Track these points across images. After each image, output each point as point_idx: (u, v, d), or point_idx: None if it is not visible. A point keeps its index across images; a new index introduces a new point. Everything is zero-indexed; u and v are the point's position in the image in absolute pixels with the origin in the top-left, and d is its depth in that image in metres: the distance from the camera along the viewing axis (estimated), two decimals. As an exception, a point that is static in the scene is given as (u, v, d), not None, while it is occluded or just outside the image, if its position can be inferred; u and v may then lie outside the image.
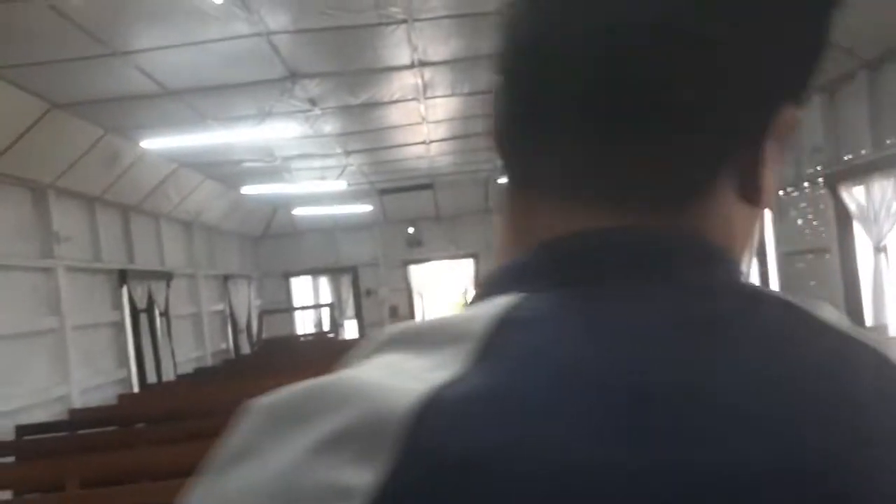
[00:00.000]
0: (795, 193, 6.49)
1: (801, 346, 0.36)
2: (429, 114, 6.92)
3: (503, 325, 0.35)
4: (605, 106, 0.39)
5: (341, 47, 4.98)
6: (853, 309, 5.67)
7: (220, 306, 10.53)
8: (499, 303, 0.37)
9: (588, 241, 0.40)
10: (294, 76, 5.33)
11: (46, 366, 5.69)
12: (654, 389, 0.32)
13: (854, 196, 5.66)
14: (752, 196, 0.42)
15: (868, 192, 5.47)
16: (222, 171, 8.35)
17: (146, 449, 4.23)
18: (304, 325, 12.93)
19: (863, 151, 5.54)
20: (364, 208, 11.08)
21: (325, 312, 12.65)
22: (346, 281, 12.69)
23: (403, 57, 5.30)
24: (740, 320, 0.37)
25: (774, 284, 6.90)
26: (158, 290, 8.03)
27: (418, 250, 12.54)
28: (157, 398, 6.53)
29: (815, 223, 6.32)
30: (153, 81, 5.05)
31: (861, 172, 5.53)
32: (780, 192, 6.14)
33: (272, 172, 8.46)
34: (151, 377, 7.52)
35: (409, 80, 5.84)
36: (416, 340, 0.36)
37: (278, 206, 11.24)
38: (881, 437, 0.33)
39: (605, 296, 0.37)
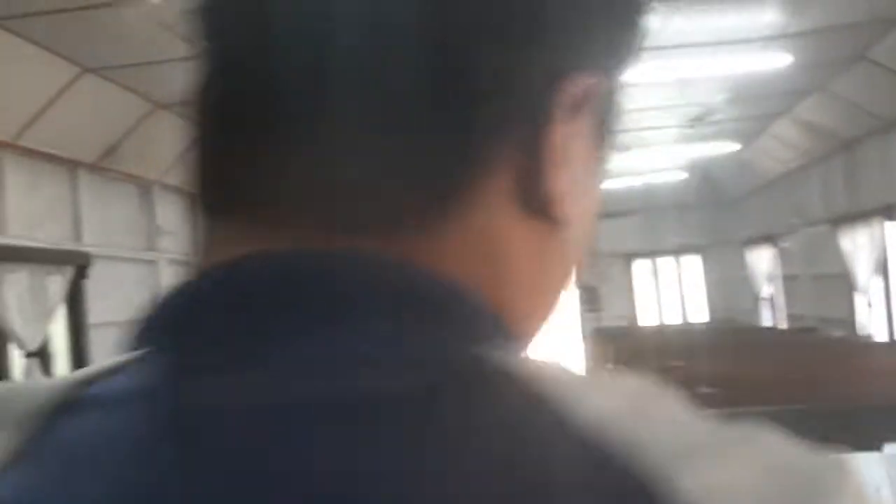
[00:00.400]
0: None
1: (478, 456, 0.24)
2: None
3: (63, 408, 0.27)
4: (288, 93, 0.29)
5: None
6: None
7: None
8: (86, 370, 0.29)
9: (230, 275, 0.28)
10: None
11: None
12: None
13: None
14: (539, 206, 0.31)
15: None
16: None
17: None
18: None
19: None
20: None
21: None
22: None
23: None
24: (407, 409, 0.24)
25: None
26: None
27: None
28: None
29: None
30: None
31: None
32: None
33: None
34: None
35: None
36: None
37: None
38: None
39: (210, 366, 0.26)
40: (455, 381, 0.26)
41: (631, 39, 0.35)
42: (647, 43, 0.36)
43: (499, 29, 0.30)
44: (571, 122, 0.31)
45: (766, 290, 10.45)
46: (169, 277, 6.38)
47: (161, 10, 3.89)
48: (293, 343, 0.26)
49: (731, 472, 0.24)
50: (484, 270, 0.30)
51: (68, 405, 0.27)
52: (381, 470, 0.23)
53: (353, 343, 0.26)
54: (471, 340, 0.27)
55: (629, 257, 11.90)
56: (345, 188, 0.28)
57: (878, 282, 6.94)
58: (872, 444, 3.00)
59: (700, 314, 12.21)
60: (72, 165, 5.32)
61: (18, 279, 4.56)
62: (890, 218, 6.61)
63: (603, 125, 0.35)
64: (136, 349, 0.28)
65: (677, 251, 12.06)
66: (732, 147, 9.01)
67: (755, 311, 10.82)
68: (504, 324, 0.30)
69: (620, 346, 7.81)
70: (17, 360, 4.57)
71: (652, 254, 11.98)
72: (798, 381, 4.70)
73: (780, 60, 5.53)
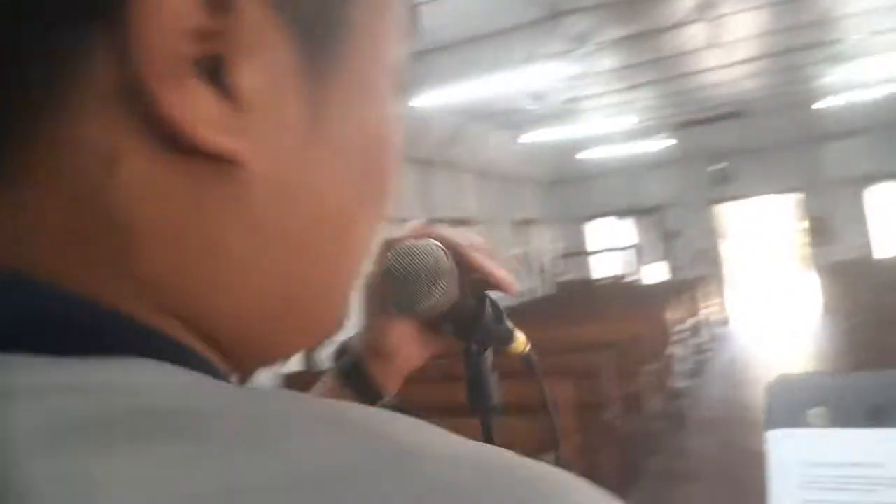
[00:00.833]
0: None
1: None
2: (721, 34, 6.24)
3: None
4: None
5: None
6: None
7: (517, 251, 10.86)
8: None
9: None
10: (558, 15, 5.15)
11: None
12: None
13: None
14: (173, 140, 0.22)
15: None
16: (504, 119, 8.48)
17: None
18: (603, 268, 12.80)
19: None
20: (659, 145, 10.52)
21: (628, 255, 12.34)
22: (647, 223, 12.24)
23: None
24: None
25: None
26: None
27: (727, 188, 11.55)
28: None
29: None
30: (421, 37, 5.25)
31: None
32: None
33: (554, 116, 8.38)
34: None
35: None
36: None
37: (566, 150, 11.16)
38: None
39: None
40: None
41: None
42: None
43: None
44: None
45: None
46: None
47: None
48: None
49: None
50: (74, 249, 0.22)
51: None
52: None
53: None
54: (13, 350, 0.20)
55: (862, 182, 10.58)
56: None
57: None
58: None
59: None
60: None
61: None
62: None
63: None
64: None
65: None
66: None
67: None
68: (99, 316, 0.22)
69: (857, 281, 7.00)
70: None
71: (889, 177, 10.54)
72: None
73: None
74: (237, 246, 0.25)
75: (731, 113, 10.14)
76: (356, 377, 0.69)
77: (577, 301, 8.97)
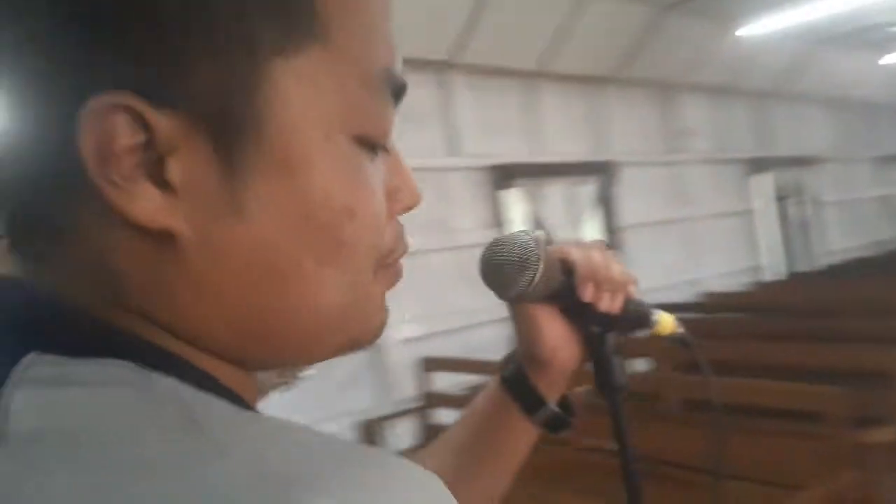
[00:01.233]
0: None
1: None
2: None
3: None
4: None
5: None
6: None
7: (879, 192, 9.47)
8: None
9: None
10: None
11: (677, 251, 6.21)
12: None
13: None
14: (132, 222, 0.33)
15: None
16: (865, 39, 7.35)
17: (777, 343, 3.87)
18: None
19: None
20: None
21: None
22: None
23: None
24: None
25: None
26: (798, 176, 7.74)
27: None
28: (796, 290, 6.15)
29: None
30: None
31: None
32: None
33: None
34: (786, 268, 7.40)
35: None
36: None
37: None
38: None
39: None
40: (12, 388, 0.31)
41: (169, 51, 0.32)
42: None
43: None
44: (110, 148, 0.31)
45: None
46: (696, 177, 6.47)
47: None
48: None
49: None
50: (96, 293, 0.34)
51: None
52: None
53: None
54: (42, 350, 0.32)
55: None
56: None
57: None
58: None
59: None
60: (596, 81, 5.77)
61: (556, 191, 5.27)
62: None
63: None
64: None
65: None
66: None
67: None
68: (108, 332, 0.34)
69: None
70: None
71: None
72: None
73: None
74: (187, 288, 0.35)
75: None
76: (517, 385, 0.70)
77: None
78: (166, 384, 0.32)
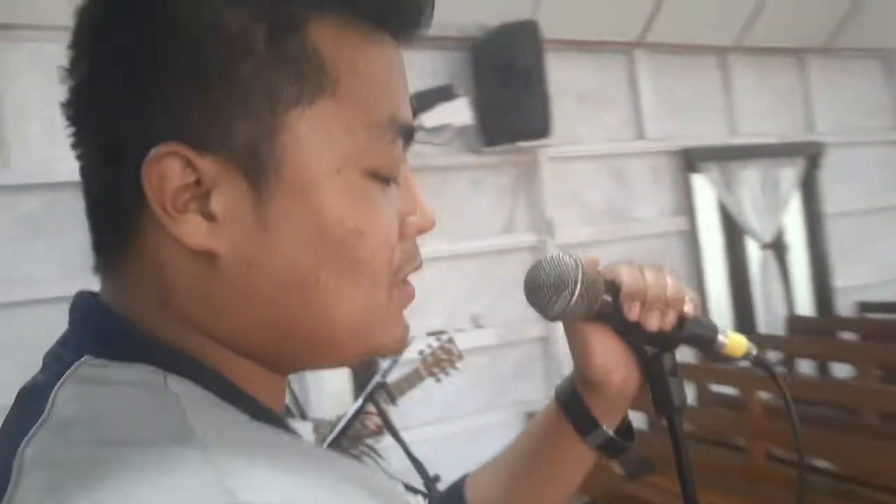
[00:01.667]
0: None
1: None
2: None
3: None
4: None
5: None
6: None
7: None
8: None
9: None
10: None
11: (894, 243, 5.51)
12: None
13: None
14: (189, 245, 0.43)
15: None
16: None
17: None
18: None
19: None
20: None
21: None
22: None
23: None
24: (30, 389, 0.43)
25: None
26: None
27: None
28: None
29: None
30: None
31: None
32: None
33: None
34: None
35: None
36: None
37: None
38: None
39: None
40: (63, 382, 0.41)
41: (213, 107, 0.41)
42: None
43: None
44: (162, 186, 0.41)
45: None
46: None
47: None
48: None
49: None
50: (151, 302, 0.43)
51: None
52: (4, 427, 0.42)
53: (55, 348, 0.45)
54: (95, 354, 0.42)
55: None
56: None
57: None
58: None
59: None
60: (798, 53, 5.23)
61: (751, 175, 4.85)
62: None
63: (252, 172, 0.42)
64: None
65: None
66: None
67: None
68: (147, 343, 0.42)
69: None
70: (753, 253, 4.91)
71: None
72: None
73: None
74: (228, 299, 0.43)
75: None
76: (571, 406, 0.69)
77: None
78: (175, 388, 0.40)
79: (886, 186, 5.53)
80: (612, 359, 0.67)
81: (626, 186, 4.45)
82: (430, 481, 2.14)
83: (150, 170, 0.40)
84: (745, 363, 0.69)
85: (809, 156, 5.08)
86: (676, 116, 4.66)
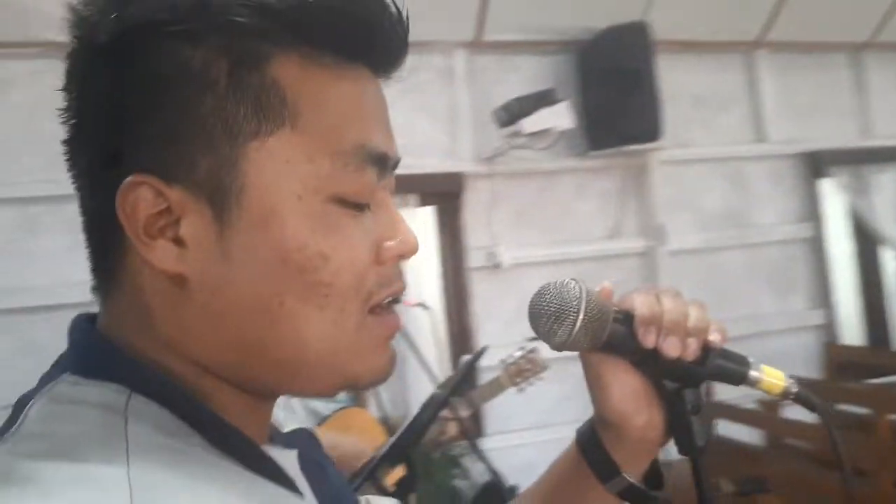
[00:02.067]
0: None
1: None
2: None
3: None
4: None
5: None
6: None
7: None
8: None
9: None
10: None
11: None
12: None
13: None
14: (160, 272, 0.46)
15: None
16: None
17: None
18: None
19: None
20: None
21: None
22: None
23: None
24: (17, 407, 0.45)
25: None
26: None
27: None
28: None
29: None
30: None
31: None
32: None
33: None
34: None
35: None
36: None
37: None
38: None
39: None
40: (39, 397, 0.45)
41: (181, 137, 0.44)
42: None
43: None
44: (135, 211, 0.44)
45: None
46: None
47: None
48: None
49: None
50: (135, 324, 0.46)
51: None
52: None
53: (52, 366, 0.48)
54: (77, 374, 0.45)
55: None
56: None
57: None
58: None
59: None
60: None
61: (886, 179, 4.51)
62: None
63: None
64: None
65: None
66: None
67: None
68: (123, 363, 0.45)
69: None
70: (888, 263, 4.55)
71: None
72: None
73: None
74: (200, 321, 0.45)
75: None
76: (591, 449, 0.64)
77: None
78: (133, 409, 0.43)
79: None
80: (631, 399, 0.62)
81: (745, 191, 4.26)
82: (507, 491, 2.13)
83: (123, 199, 0.43)
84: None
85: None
86: (801, 118, 4.41)
